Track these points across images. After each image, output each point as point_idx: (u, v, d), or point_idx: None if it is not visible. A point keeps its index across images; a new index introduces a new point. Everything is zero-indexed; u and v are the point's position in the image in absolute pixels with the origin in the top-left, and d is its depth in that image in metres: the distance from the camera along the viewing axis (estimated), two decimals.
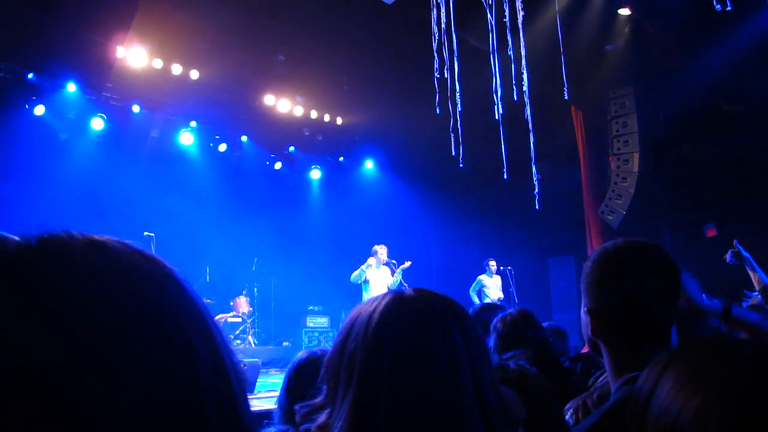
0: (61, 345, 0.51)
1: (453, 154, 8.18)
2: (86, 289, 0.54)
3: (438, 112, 7.94)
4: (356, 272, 10.59)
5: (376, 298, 1.28)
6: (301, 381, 2.53)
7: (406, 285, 10.40)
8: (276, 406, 2.64)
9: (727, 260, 4.33)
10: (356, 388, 1.16)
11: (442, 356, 1.17)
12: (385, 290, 10.28)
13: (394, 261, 10.65)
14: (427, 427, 1.12)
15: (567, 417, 2.00)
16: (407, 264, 10.59)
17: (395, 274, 10.58)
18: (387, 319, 1.21)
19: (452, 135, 8.09)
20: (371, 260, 10.63)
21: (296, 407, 1.30)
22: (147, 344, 0.55)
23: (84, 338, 0.52)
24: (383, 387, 1.14)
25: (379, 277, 10.52)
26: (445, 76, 7.72)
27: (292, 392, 2.53)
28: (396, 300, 1.25)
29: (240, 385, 0.64)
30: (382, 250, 10.65)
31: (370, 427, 1.12)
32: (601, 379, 2.34)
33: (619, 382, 1.60)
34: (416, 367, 1.16)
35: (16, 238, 0.57)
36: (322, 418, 1.22)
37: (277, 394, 2.75)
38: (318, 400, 1.28)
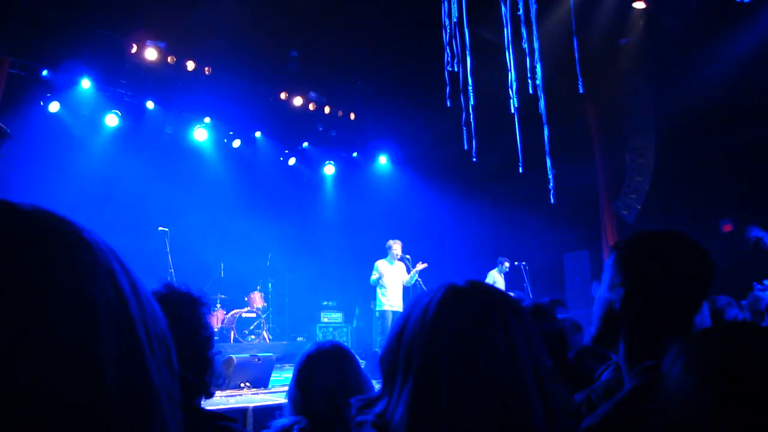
0: None
1: (465, 148, 8.14)
2: None
3: (449, 105, 7.90)
4: (373, 277, 10.58)
5: (429, 292, 1.28)
6: (310, 373, 2.54)
7: (420, 281, 10.38)
8: (287, 398, 2.65)
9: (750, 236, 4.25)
10: (416, 377, 1.16)
11: (502, 344, 1.17)
12: (400, 287, 10.31)
13: (408, 256, 10.61)
14: (491, 413, 1.12)
15: None
16: (423, 266, 10.51)
17: (411, 273, 10.52)
18: (444, 308, 1.21)
19: (464, 129, 8.06)
20: (381, 264, 10.61)
21: (351, 400, 1.30)
22: (40, 299, 0.56)
23: None
24: (444, 375, 1.14)
25: (393, 273, 10.49)
26: (457, 69, 7.68)
27: (301, 384, 2.54)
28: (451, 291, 1.25)
29: (153, 343, 0.64)
30: (396, 246, 10.61)
31: (432, 415, 1.12)
32: (606, 373, 2.32)
33: (634, 371, 1.59)
34: (477, 355, 1.15)
35: None
36: (379, 407, 1.22)
37: None
38: (373, 393, 1.28)
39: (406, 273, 10.59)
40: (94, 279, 0.60)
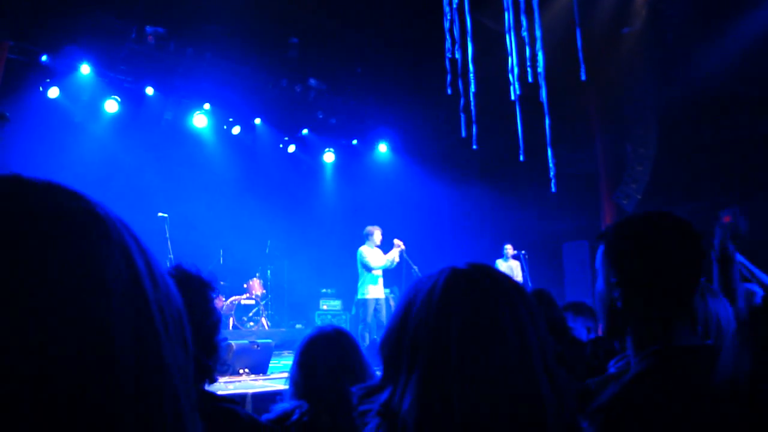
0: None
1: (465, 135, 8.11)
2: None
3: (450, 93, 7.87)
4: (371, 264, 10.33)
5: (431, 276, 1.25)
6: (313, 355, 2.54)
7: (415, 267, 10.25)
8: (288, 383, 2.65)
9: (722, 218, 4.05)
10: (423, 364, 1.14)
11: (510, 324, 1.15)
12: (381, 268, 10.01)
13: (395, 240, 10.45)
14: (501, 397, 1.11)
15: None
16: (401, 245, 10.30)
17: (387, 255, 10.24)
18: (450, 291, 1.18)
19: (463, 115, 8.02)
20: (365, 249, 10.37)
21: (353, 389, 1.27)
22: (51, 276, 0.55)
23: None
24: (452, 362, 1.11)
25: (376, 258, 10.30)
26: (457, 56, 7.66)
27: (304, 367, 2.54)
28: (455, 273, 1.22)
29: (168, 322, 0.63)
30: (376, 231, 10.42)
31: (441, 402, 1.10)
32: (620, 364, 2.32)
33: (641, 354, 1.59)
34: (486, 336, 1.14)
35: None
36: (384, 395, 1.20)
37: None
38: (374, 382, 1.25)
39: (383, 255, 10.36)
40: (108, 256, 0.59)
